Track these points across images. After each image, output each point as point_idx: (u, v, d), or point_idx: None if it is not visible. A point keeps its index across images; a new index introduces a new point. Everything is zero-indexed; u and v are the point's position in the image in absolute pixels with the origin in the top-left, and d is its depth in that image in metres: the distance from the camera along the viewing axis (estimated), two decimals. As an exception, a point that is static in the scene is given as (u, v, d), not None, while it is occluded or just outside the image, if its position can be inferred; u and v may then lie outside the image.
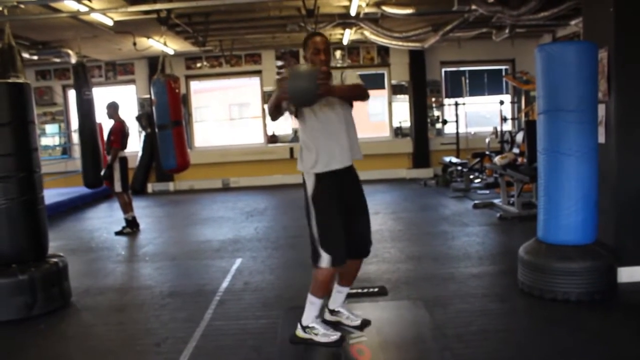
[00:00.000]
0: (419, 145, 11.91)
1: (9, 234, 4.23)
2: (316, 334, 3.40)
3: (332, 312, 3.67)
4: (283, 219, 8.08)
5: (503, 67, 12.23)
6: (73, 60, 9.01)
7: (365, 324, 3.61)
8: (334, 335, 3.40)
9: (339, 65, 11.68)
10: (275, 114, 3.28)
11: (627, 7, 4.10)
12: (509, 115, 11.41)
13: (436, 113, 12.13)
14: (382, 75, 12.14)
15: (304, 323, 3.44)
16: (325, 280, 3.34)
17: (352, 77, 3.30)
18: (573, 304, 3.85)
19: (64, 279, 4.48)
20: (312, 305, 3.41)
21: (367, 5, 7.69)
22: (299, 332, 3.45)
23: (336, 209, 3.29)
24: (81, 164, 6.62)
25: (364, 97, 3.31)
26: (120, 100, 7.57)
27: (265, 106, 12.00)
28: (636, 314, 3.75)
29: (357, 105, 3.45)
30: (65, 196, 9.73)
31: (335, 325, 3.57)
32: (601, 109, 4.21)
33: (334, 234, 3.28)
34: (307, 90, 3.01)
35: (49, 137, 12.38)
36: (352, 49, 11.80)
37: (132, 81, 12.09)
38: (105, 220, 8.56)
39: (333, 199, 3.29)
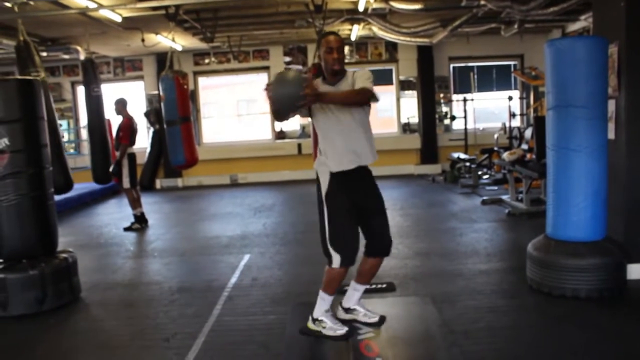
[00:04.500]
0: (427, 141, 11.87)
1: (19, 230, 4.27)
2: (324, 327, 3.44)
3: (347, 310, 3.64)
4: (291, 214, 8.10)
5: (512, 63, 12.16)
6: (82, 56, 9.05)
7: (382, 321, 3.58)
8: (341, 330, 3.42)
9: (346, 61, 11.65)
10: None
11: (639, 2, 4.06)
12: (517, 111, 11.33)
13: (444, 109, 12.09)
14: (390, 71, 12.11)
15: (315, 315, 3.47)
16: (335, 279, 3.37)
17: (361, 80, 3.23)
18: (582, 301, 3.83)
19: (73, 274, 4.52)
20: (323, 301, 3.45)
21: (375, 1, 7.66)
22: (310, 324, 3.50)
23: (347, 208, 3.30)
24: (90, 160, 6.65)
25: (362, 103, 3.23)
26: (129, 97, 7.63)
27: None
28: (646, 311, 3.73)
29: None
30: (74, 192, 9.70)
31: (349, 323, 3.55)
32: (611, 105, 4.18)
33: (343, 234, 3.30)
34: (290, 97, 2.90)
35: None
36: (361, 45, 11.78)
37: (141, 77, 12.14)
38: (114, 216, 8.61)
39: (344, 198, 3.30)
